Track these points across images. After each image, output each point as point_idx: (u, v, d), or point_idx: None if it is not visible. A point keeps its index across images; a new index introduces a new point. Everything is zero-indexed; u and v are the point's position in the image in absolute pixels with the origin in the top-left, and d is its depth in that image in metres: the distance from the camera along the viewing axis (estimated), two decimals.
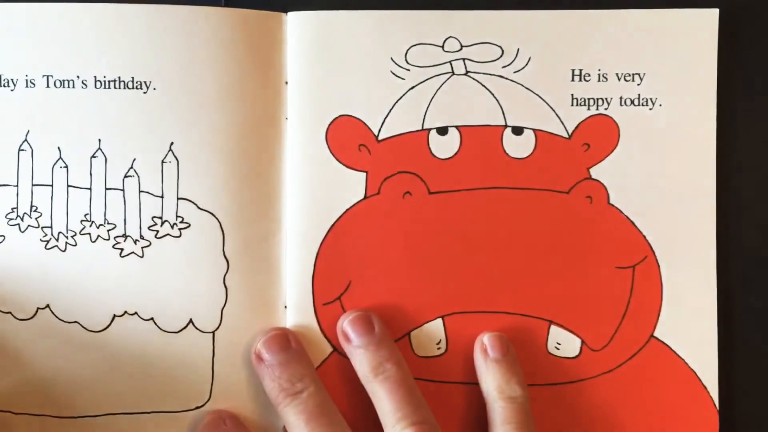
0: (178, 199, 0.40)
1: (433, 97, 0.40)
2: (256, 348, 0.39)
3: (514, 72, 0.40)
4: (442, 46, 0.40)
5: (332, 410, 0.38)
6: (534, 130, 0.40)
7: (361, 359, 0.38)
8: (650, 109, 0.40)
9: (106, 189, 0.40)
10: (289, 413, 0.37)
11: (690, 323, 0.40)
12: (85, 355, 0.40)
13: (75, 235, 0.40)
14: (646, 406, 0.40)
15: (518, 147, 0.40)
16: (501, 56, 0.40)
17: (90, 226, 0.40)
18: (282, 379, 0.38)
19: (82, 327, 0.40)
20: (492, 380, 0.39)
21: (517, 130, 0.40)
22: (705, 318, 0.40)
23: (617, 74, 0.40)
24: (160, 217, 0.40)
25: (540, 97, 0.40)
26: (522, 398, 0.38)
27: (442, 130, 0.40)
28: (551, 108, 0.40)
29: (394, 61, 0.40)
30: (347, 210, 0.40)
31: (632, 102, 0.40)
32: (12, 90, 0.40)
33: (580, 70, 0.40)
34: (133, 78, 0.40)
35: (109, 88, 0.40)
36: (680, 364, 0.40)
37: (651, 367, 0.40)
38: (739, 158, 0.41)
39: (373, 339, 0.39)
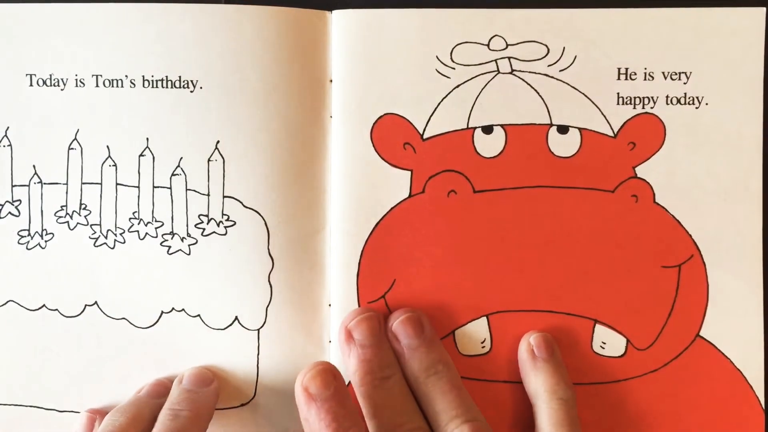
0: (224, 197, 0.40)
1: (478, 96, 0.40)
2: (348, 327, 0.39)
3: (560, 71, 0.40)
4: (488, 45, 0.40)
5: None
6: (579, 128, 0.40)
7: (413, 360, 0.38)
8: (696, 108, 0.40)
9: (154, 187, 0.40)
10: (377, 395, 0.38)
11: (736, 322, 0.40)
12: (132, 351, 0.40)
13: (123, 232, 0.40)
14: (692, 405, 0.40)
15: (563, 146, 0.40)
16: (546, 55, 0.40)
17: (138, 223, 0.40)
18: (373, 363, 0.38)
19: (130, 323, 0.40)
20: (542, 381, 0.39)
21: (563, 129, 0.40)
22: (751, 317, 0.40)
23: (663, 73, 0.40)
24: (207, 215, 0.40)
25: (585, 95, 0.40)
26: (572, 399, 0.38)
27: (488, 129, 0.40)
28: (597, 107, 0.40)
29: (439, 59, 0.40)
30: (392, 208, 0.40)
31: (678, 101, 0.40)
32: (62, 89, 0.40)
33: (626, 69, 0.40)
34: (180, 77, 0.40)
35: (156, 87, 0.40)
36: (726, 363, 0.40)
37: (696, 367, 0.40)
38: None
39: (424, 340, 0.39)
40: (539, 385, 0.39)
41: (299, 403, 0.36)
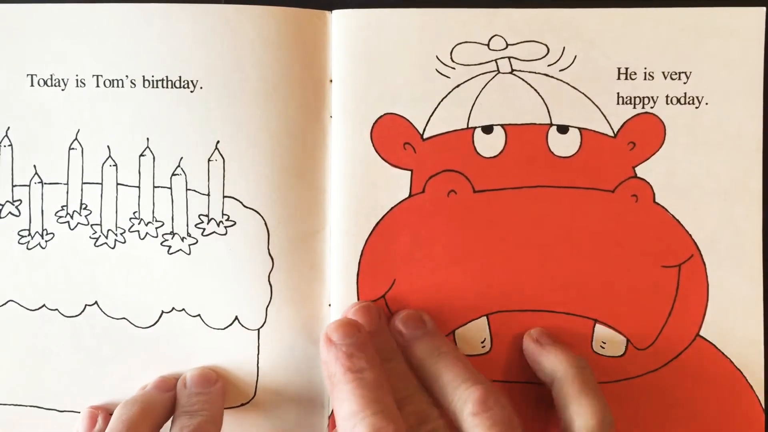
0: (224, 197, 0.40)
1: (478, 96, 0.40)
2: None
3: (560, 70, 0.40)
4: (488, 45, 0.40)
5: None
6: (579, 128, 0.40)
7: (417, 349, 0.39)
8: (696, 107, 0.40)
9: (155, 187, 0.40)
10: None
11: (736, 322, 0.40)
12: (132, 351, 0.40)
13: (124, 232, 0.40)
14: (692, 405, 0.40)
15: (563, 145, 0.40)
16: (546, 54, 0.40)
17: (138, 223, 0.40)
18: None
19: (130, 323, 0.40)
20: (554, 358, 0.38)
21: (563, 129, 0.40)
22: (751, 317, 0.40)
23: (663, 73, 0.40)
24: (207, 215, 0.40)
25: (585, 95, 0.40)
26: (589, 369, 0.38)
27: (488, 129, 0.40)
28: (597, 106, 0.40)
29: (439, 59, 0.40)
30: (392, 208, 0.40)
31: (678, 100, 0.40)
32: (63, 90, 0.40)
33: (626, 69, 0.40)
34: (180, 77, 0.40)
35: (157, 87, 0.40)
36: (726, 363, 0.40)
37: (697, 367, 0.40)
38: None
39: (427, 332, 0.39)
40: (553, 362, 0.38)
41: (321, 347, 0.38)
